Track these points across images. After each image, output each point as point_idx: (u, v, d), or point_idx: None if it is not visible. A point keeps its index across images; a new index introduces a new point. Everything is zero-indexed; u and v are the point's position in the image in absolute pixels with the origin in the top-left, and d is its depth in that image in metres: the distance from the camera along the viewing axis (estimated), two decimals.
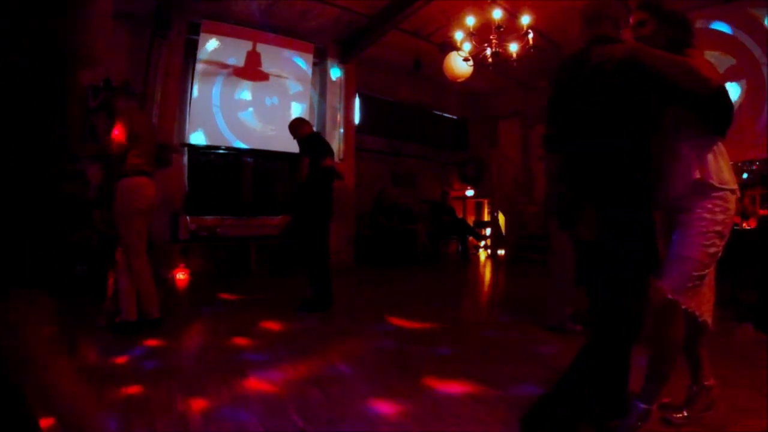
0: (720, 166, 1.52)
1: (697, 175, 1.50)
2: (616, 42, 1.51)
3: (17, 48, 0.81)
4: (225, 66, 6.02)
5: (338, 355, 2.54)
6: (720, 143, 1.55)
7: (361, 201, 7.21)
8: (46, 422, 1.19)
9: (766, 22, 4.81)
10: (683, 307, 1.51)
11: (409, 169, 8.61)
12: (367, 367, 2.36)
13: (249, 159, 6.51)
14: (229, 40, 5.99)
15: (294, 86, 6.63)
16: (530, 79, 7.78)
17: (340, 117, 7.01)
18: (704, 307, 1.57)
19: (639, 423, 1.58)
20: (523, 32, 4.28)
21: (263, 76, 6.31)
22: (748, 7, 4.94)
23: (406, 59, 7.35)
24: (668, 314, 1.52)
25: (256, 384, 2.10)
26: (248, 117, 6.30)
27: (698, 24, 5.24)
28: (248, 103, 6.29)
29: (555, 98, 1.67)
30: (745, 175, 5.53)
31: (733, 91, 5.13)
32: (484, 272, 6.91)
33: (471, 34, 4.46)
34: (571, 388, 1.48)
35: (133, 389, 1.98)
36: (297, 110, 6.56)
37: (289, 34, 6.37)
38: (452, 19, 5.45)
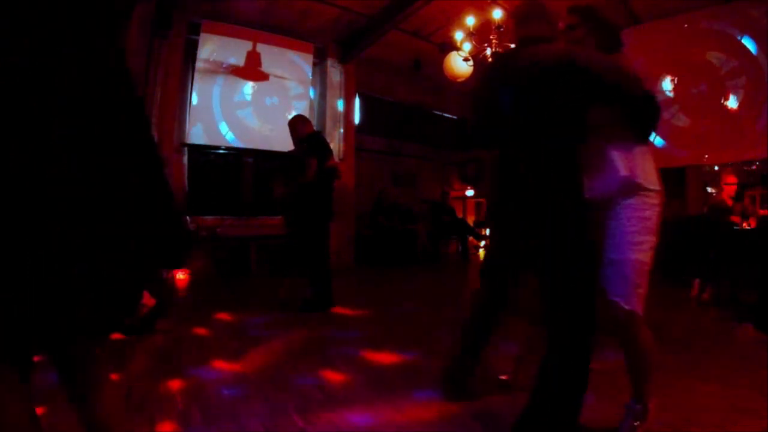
0: (646, 167, 1.53)
1: (625, 173, 1.50)
2: (550, 42, 1.53)
3: (17, 48, 0.81)
4: (225, 66, 6.02)
5: (338, 356, 2.54)
6: (645, 146, 1.57)
7: (361, 201, 7.21)
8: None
9: (766, 22, 4.81)
10: (640, 313, 1.49)
11: (409, 169, 8.61)
12: (368, 368, 2.36)
13: (249, 159, 6.51)
14: (229, 40, 5.99)
15: (294, 86, 6.63)
16: None
17: (340, 117, 7.01)
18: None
19: (637, 422, 1.58)
20: None
21: (263, 76, 6.31)
22: (748, 8, 4.94)
23: (406, 59, 7.35)
24: (629, 325, 1.50)
25: (256, 384, 2.10)
26: (248, 117, 6.30)
27: (704, 25, 5.24)
28: (248, 103, 6.29)
29: (483, 95, 1.67)
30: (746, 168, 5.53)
31: (733, 92, 5.13)
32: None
33: (471, 34, 4.47)
34: (554, 391, 1.44)
35: (133, 388, 1.98)
36: (297, 110, 6.56)
37: (289, 34, 6.37)
38: (452, 19, 5.45)
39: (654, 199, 1.52)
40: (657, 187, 1.53)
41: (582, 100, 1.48)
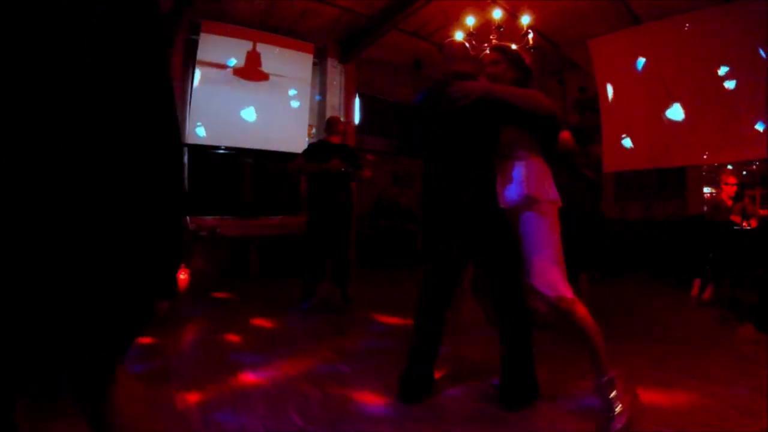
0: (544, 182, 1.86)
1: (527, 191, 1.82)
2: (472, 78, 1.99)
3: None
4: (225, 66, 6.02)
5: (338, 355, 2.54)
6: (543, 162, 1.91)
7: (361, 201, 7.21)
8: None
9: (766, 22, 4.80)
10: (567, 295, 1.74)
11: (409, 169, 8.61)
12: (368, 367, 2.36)
13: (249, 159, 6.51)
14: (229, 40, 5.98)
15: (294, 86, 6.63)
16: None
17: (340, 117, 7.01)
18: None
19: (611, 394, 1.63)
20: (523, 32, 4.29)
21: (263, 76, 6.31)
22: (748, 7, 4.94)
23: (406, 59, 7.34)
24: (561, 307, 1.73)
25: (256, 384, 2.10)
26: (248, 116, 6.29)
27: (704, 25, 5.22)
28: (248, 102, 6.28)
29: (417, 114, 2.09)
30: (744, 173, 5.55)
31: (733, 92, 5.13)
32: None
33: (471, 34, 4.47)
34: (523, 363, 1.84)
35: None
36: (297, 110, 6.56)
37: (289, 34, 6.36)
38: (452, 19, 5.44)
39: (548, 208, 1.84)
40: (552, 198, 1.85)
41: (494, 123, 1.88)
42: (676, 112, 5.55)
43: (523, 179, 1.84)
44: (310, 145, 3.98)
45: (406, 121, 2.18)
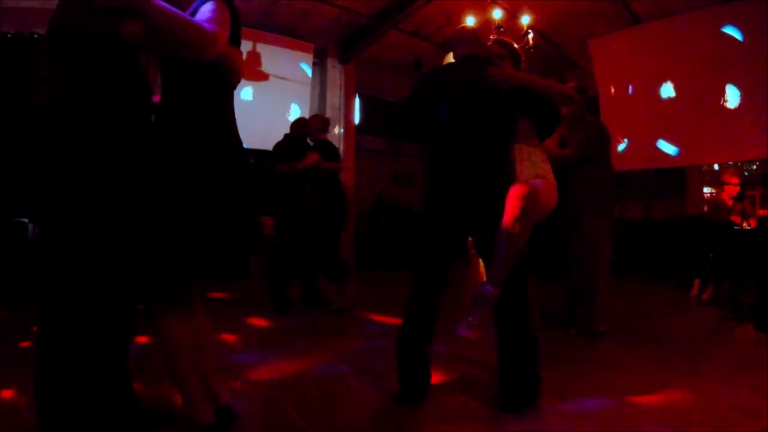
0: (549, 167, 1.97)
1: (541, 171, 1.91)
2: (490, 61, 1.95)
3: None
4: None
5: (338, 355, 2.54)
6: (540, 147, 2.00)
7: (361, 201, 7.21)
8: None
9: (766, 22, 4.80)
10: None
11: (409, 169, 8.61)
12: (368, 367, 2.36)
13: (249, 159, 6.51)
14: None
15: (294, 86, 6.63)
16: None
17: (340, 117, 7.01)
18: None
19: (485, 303, 1.85)
20: (523, 32, 4.29)
21: (263, 76, 6.31)
22: (748, 7, 4.94)
23: (406, 59, 7.34)
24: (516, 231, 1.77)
25: (255, 383, 2.10)
26: (248, 117, 6.29)
27: (704, 25, 5.23)
28: (248, 103, 6.29)
29: (420, 98, 2.02)
30: (745, 174, 5.55)
31: (733, 92, 5.13)
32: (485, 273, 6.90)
33: None
34: (523, 363, 1.81)
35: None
36: (297, 110, 6.56)
37: (289, 34, 6.37)
38: (452, 19, 5.45)
39: (550, 186, 1.92)
40: (553, 183, 1.95)
41: (518, 109, 1.90)
42: (676, 112, 5.55)
43: (538, 161, 1.93)
44: (317, 142, 3.96)
45: (403, 106, 2.14)
